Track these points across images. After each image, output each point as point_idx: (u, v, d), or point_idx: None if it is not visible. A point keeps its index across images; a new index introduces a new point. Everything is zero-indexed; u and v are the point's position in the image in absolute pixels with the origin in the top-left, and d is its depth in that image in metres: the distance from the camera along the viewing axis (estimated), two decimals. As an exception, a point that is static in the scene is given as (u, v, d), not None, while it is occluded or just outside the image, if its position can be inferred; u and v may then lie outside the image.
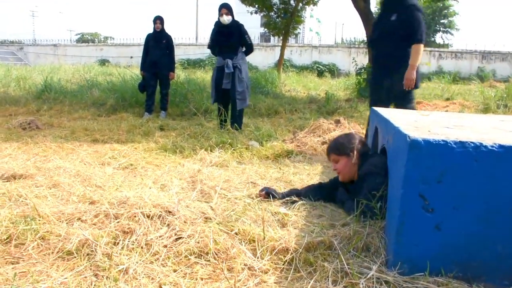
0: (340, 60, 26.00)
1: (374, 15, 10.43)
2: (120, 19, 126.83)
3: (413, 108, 3.67)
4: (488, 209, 1.49)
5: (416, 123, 2.00)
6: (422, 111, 2.86)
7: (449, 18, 37.65)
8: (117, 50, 28.66)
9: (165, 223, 1.91)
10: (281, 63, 16.07)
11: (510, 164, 1.46)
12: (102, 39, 41.26)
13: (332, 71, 24.73)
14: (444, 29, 38.43)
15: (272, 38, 27.08)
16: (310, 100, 10.35)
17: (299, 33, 19.89)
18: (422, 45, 3.58)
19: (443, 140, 1.48)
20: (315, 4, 15.50)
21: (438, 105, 9.64)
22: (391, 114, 2.69)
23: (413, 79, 3.58)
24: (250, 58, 23.26)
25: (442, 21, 37.57)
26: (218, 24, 5.20)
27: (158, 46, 6.75)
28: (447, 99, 11.19)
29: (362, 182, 2.17)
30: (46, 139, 4.44)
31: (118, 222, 1.93)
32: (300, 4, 15.05)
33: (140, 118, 6.50)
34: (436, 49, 26.92)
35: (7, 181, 2.85)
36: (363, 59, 15.57)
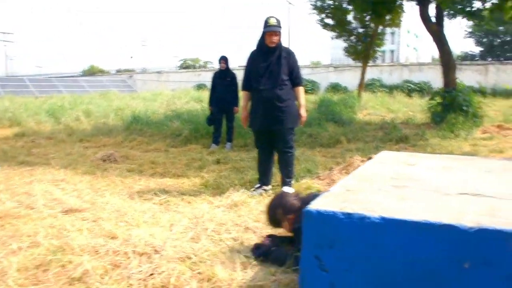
0: (432, 78, 24.96)
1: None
2: (219, 44, 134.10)
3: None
4: (375, 275, 1.75)
5: (358, 183, 2.28)
6: (411, 160, 3.04)
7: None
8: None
9: (149, 260, 2.43)
10: (362, 86, 16.05)
11: (391, 236, 1.72)
12: (202, 64, 44.33)
13: (424, 89, 23.84)
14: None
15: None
16: (382, 126, 10.34)
17: (378, 56, 19.59)
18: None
19: (332, 211, 1.79)
20: (397, 26, 15.32)
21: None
22: (377, 161, 2.95)
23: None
24: (340, 78, 23.56)
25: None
26: None
27: (223, 83, 7.47)
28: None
29: (296, 237, 2.49)
30: (114, 172, 5.27)
31: (115, 257, 2.49)
32: (381, 28, 15.01)
33: (206, 149, 7.22)
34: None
35: (65, 214, 3.60)
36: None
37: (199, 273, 2.30)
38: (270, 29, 3.97)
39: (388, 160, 3.16)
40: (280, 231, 2.82)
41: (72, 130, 9.97)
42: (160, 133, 8.75)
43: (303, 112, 4.20)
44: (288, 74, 4.11)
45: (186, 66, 43.45)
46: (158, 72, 34.90)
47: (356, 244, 1.77)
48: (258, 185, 4.39)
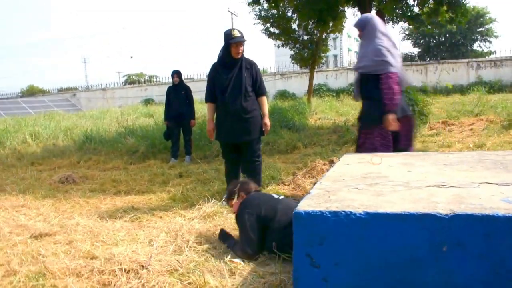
0: (376, 81, 26.04)
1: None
2: (164, 58, 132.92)
3: None
4: (363, 266, 1.89)
5: (333, 184, 2.43)
6: (375, 159, 3.24)
7: (486, 26, 36.79)
8: (160, 89, 30.26)
9: (137, 276, 2.44)
10: (310, 92, 16.52)
11: (375, 228, 1.87)
12: (148, 79, 43.74)
13: (369, 92, 24.82)
14: (482, 38, 37.56)
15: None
16: (334, 129, 10.71)
17: (324, 62, 20.27)
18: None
19: (320, 211, 1.92)
20: (339, 32, 15.95)
21: (464, 123, 9.67)
22: (343, 163, 3.13)
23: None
24: (287, 85, 23.98)
25: (478, 29, 36.75)
26: None
27: (178, 97, 7.49)
28: (476, 115, 11.14)
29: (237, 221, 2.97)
30: (77, 194, 5.15)
31: (102, 276, 2.48)
32: (324, 34, 15.55)
33: (166, 164, 7.19)
34: (474, 59, 26.32)
35: (35, 239, 3.50)
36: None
37: (189, 283, 2.35)
38: (236, 40, 4.07)
39: (353, 161, 3.35)
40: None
41: (21, 153, 9.55)
42: (116, 150, 8.60)
43: (267, 122, 4.33)
44: (252, 85, 4.23)
45: (131, 81, 42.66)
46: (103, 89, 34.00)
47: (344, 239, 1.90)
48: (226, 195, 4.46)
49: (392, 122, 3.61)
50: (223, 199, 4.37)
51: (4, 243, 3.39)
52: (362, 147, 3.87)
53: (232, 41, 4.09)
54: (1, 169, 7.77)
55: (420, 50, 40.33)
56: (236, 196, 3.15)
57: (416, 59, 37.68)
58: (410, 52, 41.75)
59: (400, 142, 3.86)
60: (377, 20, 3.82)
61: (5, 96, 39.33)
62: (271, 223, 2.77)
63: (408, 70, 25.01)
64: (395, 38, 3.58)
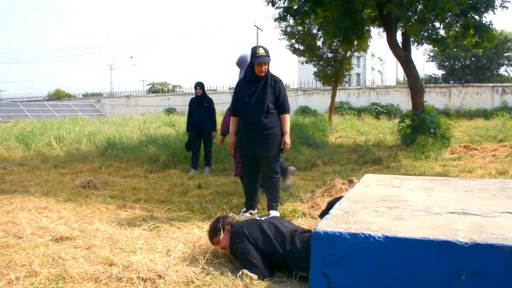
0: (399, 100, 25.90)
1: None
2: (188, 68, 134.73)
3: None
4: (379, 286, 1.90)
5: (353, 205, 2.43)
6: (395, 181, 3.24)
7: (514, 50, 36.28)
8: (182, 99, 30.66)
9: (154, 285, 2.48)
10: (332, 110, 16.52)
11: (393, 252, 1.87)
12: (171, 88, 44.38)
13: (391, 112, 24.68)
14: (508, 62, 36.99)
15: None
16: (355, 148, 10.67)
17: (347, 80, 20.27)
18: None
19: (339, 232, 1.93)
20: (364, 50, 15.97)
21: (487, 148, 9.51)
22: (363, 184, 3.13)
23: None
24: (309, 102, 24.03)
25: (505, 54, 36.22)
26: None
27: (200, 109, 7.60)
28: (500, 141, 10.96)
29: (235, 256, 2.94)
30: (97, 199, 5.25)
31: (120, 283, 2.53)
32: (349, 52, 15.59)
33: (186, 174, 7.26)
34: (499, 84, 25.92)
35: (56, 242, 3.58)
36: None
37: (204, 296, 2.37)
38: (259, 60, 4.13)
39: (373, 183, 3.35)
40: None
41: (45, 156, 9.78)
42: (137, 158, 8.73)
43: (287, 140, 4.35)
44: (275, 102, 4.27)
45: (154, 90, 43.34)
46: (127, 96, 34.62)
47: (362, 261, 1.91)
48: (245, 209, 4.48)
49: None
50: (241, 213, 4.41)
51: (27, 243, 3.48)
52: None
53: (255, 61, 4.16)
54: (25, 170, 7.97)
55: (444, 72, 39.91)
56: (221, 231, 3.12)
57: (440, 81, 37.32)
58: (434, 74, 41.38)
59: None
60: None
61: (33, 99, 40.37)
62: (259, 242, 2.86)
63: (431, 93, 24.80)
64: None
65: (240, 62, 5.21)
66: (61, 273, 2.77)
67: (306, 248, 2.77)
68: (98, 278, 2.69)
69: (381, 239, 1.89)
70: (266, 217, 3.22)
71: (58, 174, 7.36)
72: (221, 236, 3.09)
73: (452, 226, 2.05)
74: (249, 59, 4.60)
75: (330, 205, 3.32)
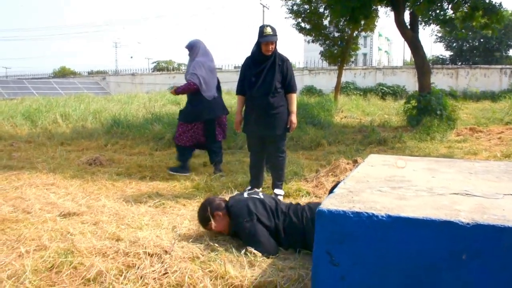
0: (406, 81, 25.67)
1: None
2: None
3: None
4: (381, 267, 1.93)
5: (357, 185, 2.46)
6: (399, 162, 3.25)
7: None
8: (188, 77, 30.42)
9: (160, 260, 2.54)
10: (337, 90, 16.41)
11: (396, 232, 1.90)
12: (176, 66, 44.17)
13: (397, 93, 24.50)
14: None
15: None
16: (360, 128, 10.65)
17: (353, 60, 20.08)
18: None
19: (342, 211, 1.96)
20: (371, 30, 15.77)
21: (493, 131, 9.48)
22: (368, 164, 3.15)
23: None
24: (315, 81, 23.88)
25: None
26: None
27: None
28: (506, 123, 10.91)
29: (239, 235, 2.94)
30: (103, 176, 5.31)
31: (127, 257, 2.59)
32: (355, 32, 15.41)
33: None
34: (508, 66, 25.60)
35: (64, 218, 3.65)
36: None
37: (210, 271, 2.43)
38: (266, 39, 4.11)
39: (377, 163, 3.36)
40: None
41: (51, 133, 9.85)
42: (142, 136, 8.77)
43: (293, 119, 4.36)
44: (282, 81, 4.27)
45: (160, 68, 43.17)
46: (132, 74, 34.51)
47: (364, 240, 1.94)
48: (250, 187, 4.53)
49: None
50: (246, 191, 4.45)
51: (36, 219, 3.55)
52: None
53: (262, 40, 4.13)
54: (32, 147, 8.05)
55: (452, 53, 39.38)
56: (211, 218, 3.01)
57: (447, 62, 36.87)
58: (441, 55, 40.82)
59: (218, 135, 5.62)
60: (201, 45, 5.52)
61: (38, 76, 40.33)
62: (265, 219, 2.88)
63: (439, 74, 24.56)
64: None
65: (191, 46, 5.54)
66: (69, 247, 2.84)
67: (307, 224, 2.82)
68: (105, 252, 2.76)
69: (384, 218, 1.91)
70: (261, 194, 3.20)
71: (64, 151, 7.42)
72: (213, 224, 3.00)
73: (455, 207, 2.07)
74: (199, 46, 5.45)
75: (336, 186, 3.41)
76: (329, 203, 2.08)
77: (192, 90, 5.38)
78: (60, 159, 6.71)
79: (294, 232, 2.83)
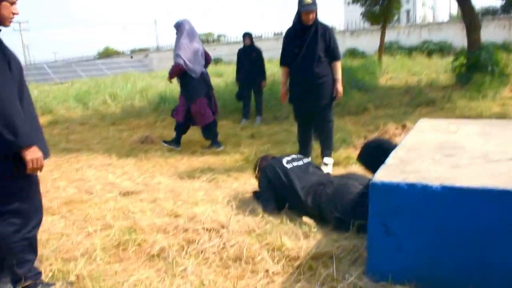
0: (453, 37, 24.34)
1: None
2: (232, 16, 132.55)
3: None
4: (437, 238, 1.94)
5: (409, 153, 2.44)
6: (451, 127, 3.17)
7: None
8: (228, 48, 30.44)
9: (218, 235, 2.66)
10: (381, 52, 15.89)
11: (451, 202, 1.89)
12: (216, 38, 44.09)
13: (444, 49, 23.35)
14: None
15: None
16: (406, 90, 10.32)
17: (396, 19, 19.25)
18: None
19: (396, 183, 1.97)
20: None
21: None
22: (418, 131, 3.10)
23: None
24: (357, 43, 23.12)
25: None
26: None
27: (249, 59, 7.62)
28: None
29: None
30: (156, 154, 5.51)
31: (186, 234, 2.73)
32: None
33: (238, 124, 7.42)
34: None
35: (123, 196, 3.86)
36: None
37: (266, 244, 2.52)
38: (306, 9, 4.05)
39: (428, 129, 3.30)
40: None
41: (102, 114, 10.22)
42: (189, 112, 8.93)
43: (339, 87, 4.32)
44: (325, 50, 4.21)
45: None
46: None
47: (419, 211, 1.95)
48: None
49: None
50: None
51: (98, 199, 3.78)
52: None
53: (302, 9, 4.08)
54: (86, 129, 8.43)
55: (504, 3, 36.71)
56: (257, 169, 3.57)
57: (499, 12, 34.51)
58: (492, 5, 38.18)
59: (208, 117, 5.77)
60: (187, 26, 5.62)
61: (84, 58, 41.59)
62: (276, 182, 3.22)
63: (489, 26, 23.09)
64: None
65: (178, 25, 5.70)
66: (132, 225, 3.02)
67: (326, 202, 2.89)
68: (166, 229, 2.91)
69: (438, 189, 1.91)
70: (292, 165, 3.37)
71: (116, 131, 7.73)
72: (256, 175, 3.59)
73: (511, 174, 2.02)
74: (185, 26, 5.63)
75: (366, 147, 3.56)
76: (382, 175, 2.09)
77: (178, 71, 5.62)
78: (113, 139, 7.00)
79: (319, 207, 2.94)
